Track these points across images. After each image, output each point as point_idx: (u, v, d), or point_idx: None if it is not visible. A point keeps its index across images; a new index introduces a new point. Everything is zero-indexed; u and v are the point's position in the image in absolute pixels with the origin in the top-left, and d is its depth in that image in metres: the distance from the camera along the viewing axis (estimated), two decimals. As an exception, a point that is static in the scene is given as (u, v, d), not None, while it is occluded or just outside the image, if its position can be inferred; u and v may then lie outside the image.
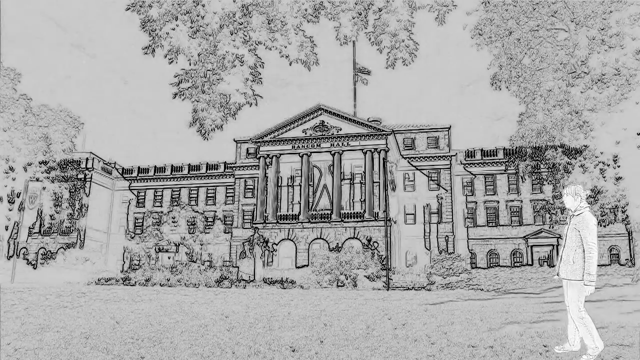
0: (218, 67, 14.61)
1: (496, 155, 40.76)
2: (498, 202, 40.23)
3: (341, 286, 29.82)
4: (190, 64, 14.57)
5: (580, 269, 6.42)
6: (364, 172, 38.10)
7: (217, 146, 45.40)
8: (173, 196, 45.79)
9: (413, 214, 40.37)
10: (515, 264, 38.05)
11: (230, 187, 44.87)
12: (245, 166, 43.89)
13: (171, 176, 46.28)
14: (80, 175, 43.54)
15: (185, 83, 14.55)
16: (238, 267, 34.94)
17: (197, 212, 44.51)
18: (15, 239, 38.55)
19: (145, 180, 46.71)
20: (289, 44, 14.81)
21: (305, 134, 39.22)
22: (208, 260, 40.77)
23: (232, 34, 14.54)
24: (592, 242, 6.37)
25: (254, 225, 38.77)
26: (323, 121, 39.17)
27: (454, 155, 40.97)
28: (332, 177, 38.32)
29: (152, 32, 14.16)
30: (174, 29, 14.15)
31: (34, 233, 42.04)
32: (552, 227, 37.68)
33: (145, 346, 7.01)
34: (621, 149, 23.28)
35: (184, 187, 45.91)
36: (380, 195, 37.33)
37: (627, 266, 31.97)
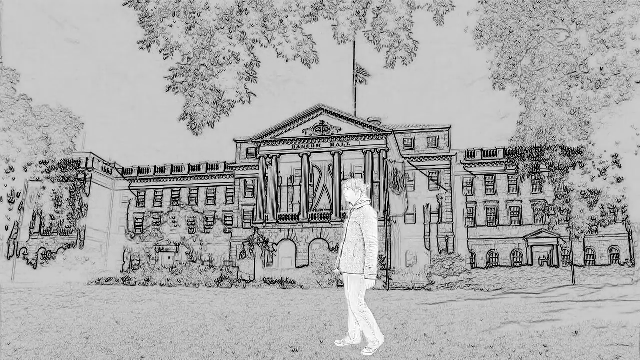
0: (212, 64, 14.60)
1: (496, 155, 40.76)
2: (498, 202, 40.23)
3: (341, 286, 29.81)
4: (185, 60, 14.56)
5: (361, 263, 6.31)
6: (364, 172, 38.10)
7: (217, 146, 45.41)
8: (173, 196, 45.79)
9: (413, 214, 40.37)
10: (515, 264, 38.03)
11: (230, 187, 44.87)
12: (245, 166, 43.88)
13: (171, 176, 46.28)
14: (80, 175, 43.54)
15: (179, 77, 14.53)
16: (238, 267, 34.93)
17: (197, 212, 44.51)
18: (15, 239, 38.54)
19: (145, 180, 46.72)
20: (286, 42, 14.79)
21: (305, 134, 39.22)
22: (208, 260, 40.76)
23: (230, 32, 14.54)
24: (372, 235, 6.26)
25: (254, 225, 38.77)
26: (323, 121, 39.17)
27: (454, 155, 40.97)
28: (332, 177, 38.33)
29: (149, 27, 14.16)
30: (171, 26, 14.14)
31: (34, 233, 42.04)
32: (552, 227, 37.66)
33: (145, 346, 7.01)
34: (621, 149, 23.27)
35: (184, 187, 45.92)
36: (380, 195, 37.32)
37: (627, 266, 31.95)
